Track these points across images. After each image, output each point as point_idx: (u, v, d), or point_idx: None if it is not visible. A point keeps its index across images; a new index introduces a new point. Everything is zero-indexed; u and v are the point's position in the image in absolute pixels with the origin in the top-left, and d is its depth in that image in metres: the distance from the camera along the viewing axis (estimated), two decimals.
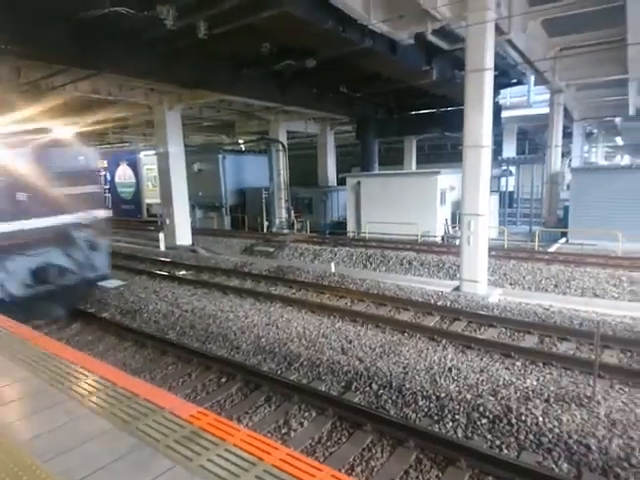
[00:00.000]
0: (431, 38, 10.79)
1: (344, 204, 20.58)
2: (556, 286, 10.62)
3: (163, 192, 17.44)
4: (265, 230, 21.72)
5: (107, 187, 28.96)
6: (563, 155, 22.48)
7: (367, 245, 16.07)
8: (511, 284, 11.11)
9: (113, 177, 29.22)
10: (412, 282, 11.07)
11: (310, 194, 23.18)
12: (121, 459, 2.10)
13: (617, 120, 27.02)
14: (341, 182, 21.93)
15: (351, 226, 19.24)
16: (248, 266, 13.20)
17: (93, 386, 2.81)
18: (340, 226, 20.51)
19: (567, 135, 23.44)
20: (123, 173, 28.77)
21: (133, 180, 28.18)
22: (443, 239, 16.88)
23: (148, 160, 26.27)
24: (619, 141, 38.83)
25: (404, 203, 17.17)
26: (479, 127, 9.11)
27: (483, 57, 8.88)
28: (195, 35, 8.91)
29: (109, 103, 15.56)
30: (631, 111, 21.28)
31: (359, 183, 18.78)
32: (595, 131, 32.32)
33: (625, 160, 46.92)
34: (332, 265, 13.15)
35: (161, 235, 17.14)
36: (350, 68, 13.02)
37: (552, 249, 14.96)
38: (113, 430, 2.33)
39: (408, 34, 10.54)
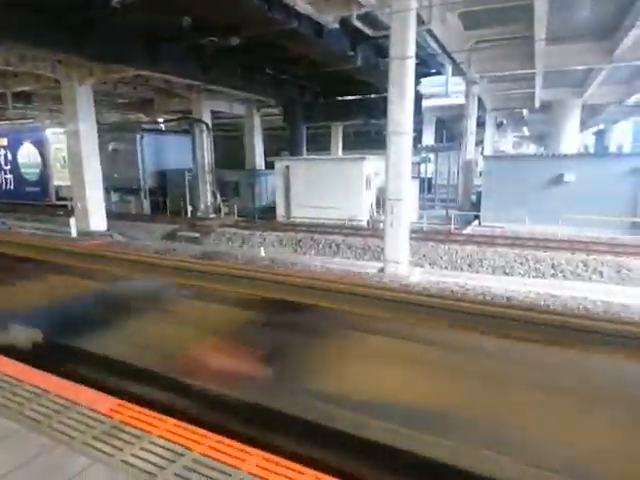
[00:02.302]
0: (356, 23, 10.87)
1: (273, 188, 20.34)
2: (470, 265, 11.40)
3: (74, 173, 16.06)
4: (189, 215, 20.89)
5: (7, 168, 26.16)
6: (477, 144, 23.92)
7: (296, 229, 16.09)
8: (430, 264, 11.75)
9: (15, 157, 26.37)
10: (340, 264, 11.31)
11: (237, 178, 22.57)
12: (28, 463, 1.93)
13: (524, 112, 29.33)
14: (269, 166, 21.60)
15: (281, 211, 19.13)
16: (170, 252, 12.65)
17: None
18: (270, 211, 20.28)
19: (481, 124, 24.99)
20: (27, 152, 26.05)
21: (39, 160, 25.64)
22: (368, 223, 17.36)
23: (57, 138, 23.99)
24: (526, 131, 42.28)
25: (332, 188, 17.36)
26: (401, 114, 9.39)
27: (406, 45, 9.11)
28: (107, 3, 8.20)
29: (9, 75, 13.92)
30: (537, 104, 23.14)
31: (288, 167, 18.65)
32: (505, 121, 34.84)
33: (531, 149, 51.26)
34: (262, 249, 13.03)
35: (72, 220, 15.83)
36: (276, 49, 12.77)
37: (466, 231, 16.01)
38: (20, 432, 2.13)
39: (333, 18, 10.51)
